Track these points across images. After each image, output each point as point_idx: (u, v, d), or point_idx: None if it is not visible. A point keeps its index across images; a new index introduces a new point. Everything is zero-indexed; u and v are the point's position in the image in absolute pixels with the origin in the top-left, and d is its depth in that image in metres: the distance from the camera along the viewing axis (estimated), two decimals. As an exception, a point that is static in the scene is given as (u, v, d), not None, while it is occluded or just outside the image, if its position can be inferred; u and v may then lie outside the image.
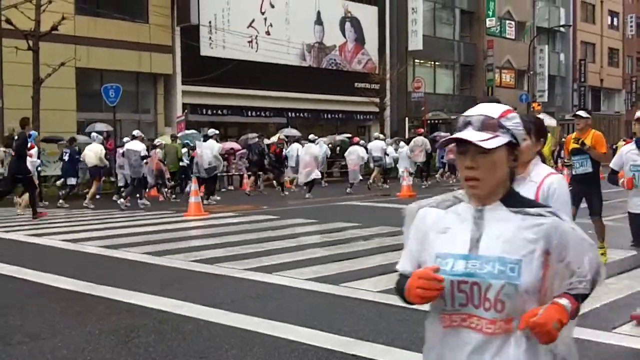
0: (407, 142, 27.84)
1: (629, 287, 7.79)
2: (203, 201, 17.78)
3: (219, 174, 22.24)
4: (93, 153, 19.52)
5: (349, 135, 32.16)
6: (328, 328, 6.13)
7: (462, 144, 2.24)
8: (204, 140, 21.20)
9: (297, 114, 36.31)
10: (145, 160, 19.23)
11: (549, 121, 54.61)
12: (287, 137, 27.06)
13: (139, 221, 15.32)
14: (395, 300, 6.95)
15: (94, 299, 7.59)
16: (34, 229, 13.92)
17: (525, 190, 3.21)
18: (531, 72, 51.14)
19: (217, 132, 22.46)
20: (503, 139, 2.22)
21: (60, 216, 16.91)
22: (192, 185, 17.22)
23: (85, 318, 6.84)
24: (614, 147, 40.33)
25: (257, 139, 24.83)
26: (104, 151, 20.09)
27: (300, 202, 19.71)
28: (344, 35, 39.58)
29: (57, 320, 6.76)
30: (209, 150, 20.34)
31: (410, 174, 24.24)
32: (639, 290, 7.68)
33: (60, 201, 19.44)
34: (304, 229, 13.28)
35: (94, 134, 21.09)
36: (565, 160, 25.54)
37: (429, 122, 42.83)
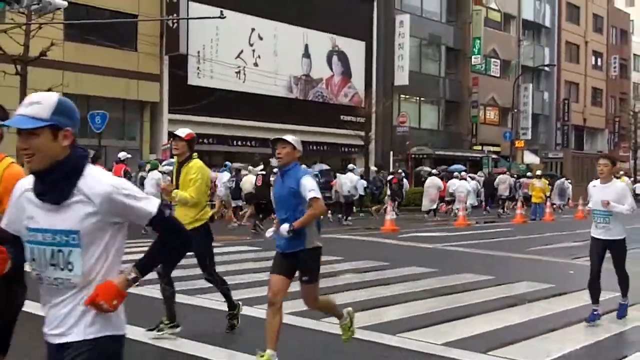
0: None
1: (609, 330, 7.85)
2: (342, 222, 24.30)
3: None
4: (249, 182, 22.96)
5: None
6: (307, 363, 6.15)
7: None
8: (345, 172, 26.29)
9: (283, 145, 36.37)
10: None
11: (532, 158, 55.17)
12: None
13: (121, 249, 15.25)
14: (376, 337, 7.02)
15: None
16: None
17: None
18: (515, 110, 51.59)
19: (355, 167, 28.09)
20: None
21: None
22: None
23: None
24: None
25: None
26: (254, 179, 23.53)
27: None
28: (331, 69, 39.89)
29: (34, 348, 6.71)
30: (348, 180, 25.23)
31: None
32: (618, 333, 7.75)
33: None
34: (286, 262, 13.26)
35: (250, 167, 25.07)
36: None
37: (413, 156, 43.10)
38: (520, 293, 10.21)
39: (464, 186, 28.14)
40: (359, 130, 37.45)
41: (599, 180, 8.19)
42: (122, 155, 18.85)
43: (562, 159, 59.09)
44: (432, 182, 27.92)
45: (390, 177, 29.59)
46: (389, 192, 28.76)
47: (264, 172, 22.36)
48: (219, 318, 8.20)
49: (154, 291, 9.74)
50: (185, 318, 8.23)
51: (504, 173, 33.78)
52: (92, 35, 28.37)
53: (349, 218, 25.16)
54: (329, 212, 25.44)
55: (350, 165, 27.41)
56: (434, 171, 31.24)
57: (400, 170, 32.62)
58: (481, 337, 7.34)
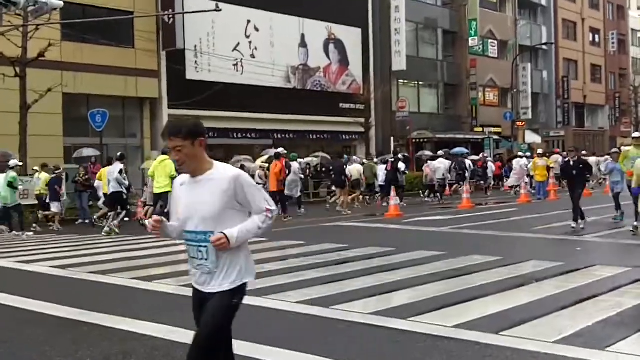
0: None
1: (620, 305, 7.83)
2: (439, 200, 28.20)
3: None
4: (356, 170, 26.16)
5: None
6: (319, 352, 6.15)
7: None
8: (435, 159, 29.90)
9: (283, 135, 36.43)
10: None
11: (534, 138, 55.09)
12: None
13: (128, 246, 15.30)
14: (386, 322, 7.04)
15: (85, 325, 7.58)
16: (22, 256, 13.88)
17: None
18: (514, 90, 51.52)
19: (443, 152, 31.97)
20: None
21: (50, 241, 16.85)
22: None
23: (76, 345, 6.83)
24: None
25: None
26: (362, 168, 26.84)
27: (288, 224, 19.75)
28: (328, 57, 39.82)
29: (48, 347, 6.76)
30: (442, 165, 29.06)
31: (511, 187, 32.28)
32: (630, 307, 7.73)
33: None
34: (292, 251, 13.30)
35: (354, 157, 29.37)
36: None
37: (414, 141, 43.07)
38: (529, 272, 10.21)
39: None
40: (358, 118, 37.44)
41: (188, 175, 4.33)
42: (281, 150, 22.82)
43: (564, 137, 59.02)
44: (519, 162, 31.80)
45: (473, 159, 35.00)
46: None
47: (393, 159, 26.38)
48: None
49: (167, 286, 9.77)
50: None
51: (556, 153, 36.65)
52: (89, 34, 28.35)
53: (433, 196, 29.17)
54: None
55: (441, 152, 31.52)
56: (519, 153, 35.33)
57: (486, 154, 38.06)
58: (492, 317, 7.34)
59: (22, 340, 7.10)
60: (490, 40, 52.00)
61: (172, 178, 17.38)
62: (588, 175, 17.59)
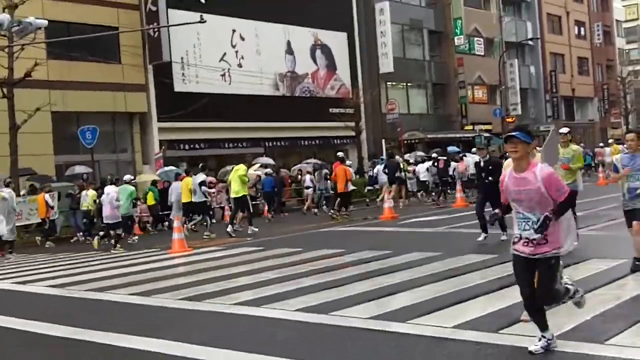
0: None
1: (618, 297, 7.84)
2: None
3: None
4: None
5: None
6: (321, 359, 6.15)
7: None
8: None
9: (275, 143, 36.45)
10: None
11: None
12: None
13: (124, 262, 15.26)
14: (386, 326, 7.04)
15: (85, 344, 7.55)
16: (18, 277, 13.83)
17: None
18: (503, 87, 51.63)
19: (475, 149, 31.05)
20: None
21: (45, 261, 16.79)
22: (175, 222, 17.20)
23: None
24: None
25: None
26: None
27: (284, 232, 19.73)
28: (316, 63, 39.89)
29: None
30: (470, 158, 29.59)
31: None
32: (627, 300, 7.74)
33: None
34: (289, 259, 13.28)
35: (397, 157, 29.55)
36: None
37: (405, 142, 43.12)
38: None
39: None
40: (349, 122, 37.47)
41: None
42: (341, 154, 24.07)
43: (554, 131, 59.12)
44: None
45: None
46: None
47: (445, 157, 29.38)
48: (228, 321, 8.22)
49: (165, 301, 9.75)
50: (193, 324, 8.24)
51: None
52: (75, 51, 28.34)
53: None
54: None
55: (474, 149, 32.43)
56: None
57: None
58: (491, 316, 7.35)
59: (23, 363, 7.07)
60: (476, 38, 52.11)
61: (245, 183, 19.93)
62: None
